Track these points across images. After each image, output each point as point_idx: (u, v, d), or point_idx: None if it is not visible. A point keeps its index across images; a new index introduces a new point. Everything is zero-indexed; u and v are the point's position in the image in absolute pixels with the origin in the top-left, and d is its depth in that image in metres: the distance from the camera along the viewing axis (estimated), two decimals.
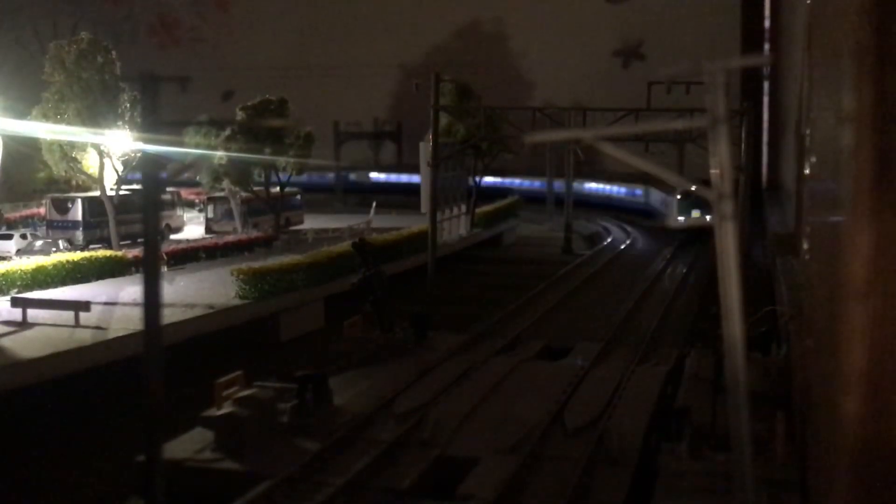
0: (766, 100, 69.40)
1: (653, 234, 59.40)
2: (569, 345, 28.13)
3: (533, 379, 23.97)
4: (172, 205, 51.42)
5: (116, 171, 42.11)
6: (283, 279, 33.80)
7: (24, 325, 27.78)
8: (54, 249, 40.36)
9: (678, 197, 52.33)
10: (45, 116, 39.41)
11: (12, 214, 53.80)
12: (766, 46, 71.10)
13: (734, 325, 9.41)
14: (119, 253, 38.43)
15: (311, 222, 55.90)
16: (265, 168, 47.86)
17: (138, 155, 38.15)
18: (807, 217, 18.63)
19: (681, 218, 50.52)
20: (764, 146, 68.27)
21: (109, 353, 25.88)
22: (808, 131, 19.79)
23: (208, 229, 51.87)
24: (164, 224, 48.54)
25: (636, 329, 30.52)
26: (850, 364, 8.49)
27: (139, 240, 33.41)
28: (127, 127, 40.20)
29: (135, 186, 44.17)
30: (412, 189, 67.14)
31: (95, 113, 39.39)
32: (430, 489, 17.37)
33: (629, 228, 64.00)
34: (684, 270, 44.75)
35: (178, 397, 21.77)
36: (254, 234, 48.27)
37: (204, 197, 54.75)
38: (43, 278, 33.85)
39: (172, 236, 49.10)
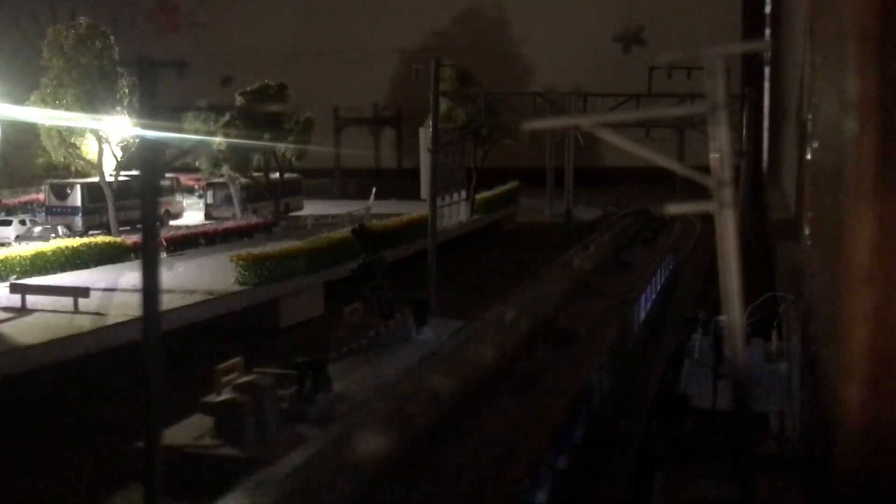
0: (766, 85, 69.19)
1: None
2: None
3: None
4: (171, 191, 51.32)
5: (115, 157, 42.03)
6: (283, 265, 33.77)
7: (22, 311, 27.78)
8: (53, 235, 40.35)
9: None
10: (44, 102, 39.31)
11: (11, 200, 53.73)
12: (767, 31, 70.83)
13: (734, 312, 9.36)
14: (118, 239, 38.39)
15: (310, 208, 55.83)
16: (264, 154, 47.78)
17: (137, 140, 38.04)
18: (808, 202, 18.56)
19: None
20: (765, 131, 68.12)
21: (108, 339, 25.88)
22: (809, 116, 19.71)
23: (207, 215, 51.80)
24: (163, 210, 48.46)
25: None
26: (851, 349, 8.46)
27: (138, 226, 33.37)
28: (126, 112, 40.09)
29: (134, 172, 44.07)
30: None
31: (94, 98, 39.27)
32: None
33: None
34: (685, 256, 44.69)
35: (177, 383, 21.75)
36: (253, 220, 48.22)
37: (203, 183, 54.66)
38: (42, 264, 33.81)
39: (172, 222, 49.06)
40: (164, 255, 38.04)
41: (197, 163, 49.20)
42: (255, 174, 49.40)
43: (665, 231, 39.21)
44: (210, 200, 52.48)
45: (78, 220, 43.87)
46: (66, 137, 40.94)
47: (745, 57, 65.16)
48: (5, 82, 41.37)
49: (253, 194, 50.90)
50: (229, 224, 46.46)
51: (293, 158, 49.28)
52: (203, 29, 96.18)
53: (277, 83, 47.92)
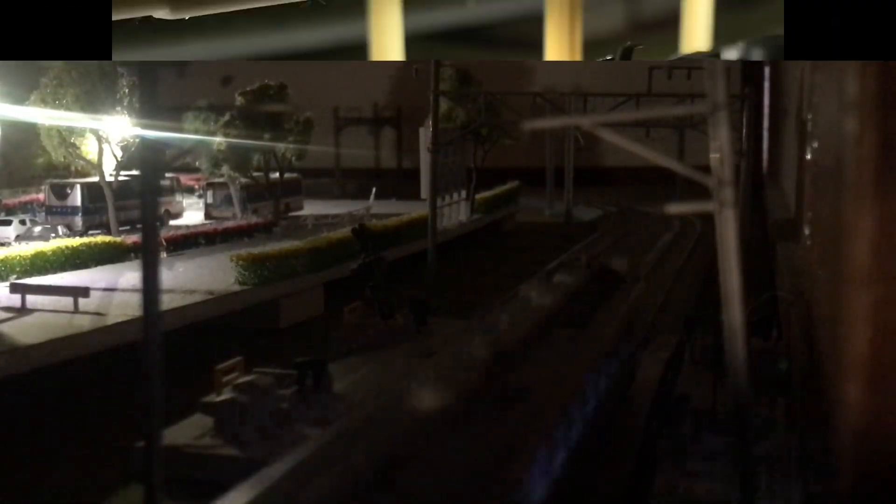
0: (766, 85, 69.17)
1: (654, 219, 59.49)
2: None
3: None
4: (171, 190, 51.32)
5: (115, 157, 42.03)
6: (283, 265, 33.77)
7: (22, 311, 27.75)
8: (53, 235, 40.35)
9: None
10: (44, 102, 39.27)
11: (11, 200, 53.69)
12: None
13: (734, 311, 9.37)
14: (118, 239, 38.39)
15: (310, 208, 55.82)
16: (264, 154, 47.80)
17: (137, 140, 38.06)
18: (808, 202, 18.58)
19: None
20: (765, 131, 68.14)
21: (108, 339, 25.87)
22: (809, 116, 19.73)
23: (208, 215, 51.79)
24: (163, 210, 48.46)
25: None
26: (851, 348, 8.46)
27: (138, 225, 33.40)
28: (126, 112, 40.08)
29: (134, 172, 44.08)
30: None
31: (94, 98, 39.24)
32: None
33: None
34: (685, 255, 44.80)
35: (176, 383, 21.76)
36: (253, 219, 48.21)
37: (203, 183, 54.65)
38: (42, 264, 33.81)
39: (172, 222, 49.05)
40: (164, 255, 38.03)
41: (197, 163, 49.18)
42: (255, 174, 49.40)
43: (618, 299, 21.03)
44: (210, 200, 52.46)
45: (78, 220, 43.85)
46: (66, 137, 40.92)
47: None
48: (5, 82, 41.33)
49: (253, 194, 50.88)
50: (229, 224, 46.45)
51: (293, 158, 49.26)
52: None
53: (277, 83, 47.89)
